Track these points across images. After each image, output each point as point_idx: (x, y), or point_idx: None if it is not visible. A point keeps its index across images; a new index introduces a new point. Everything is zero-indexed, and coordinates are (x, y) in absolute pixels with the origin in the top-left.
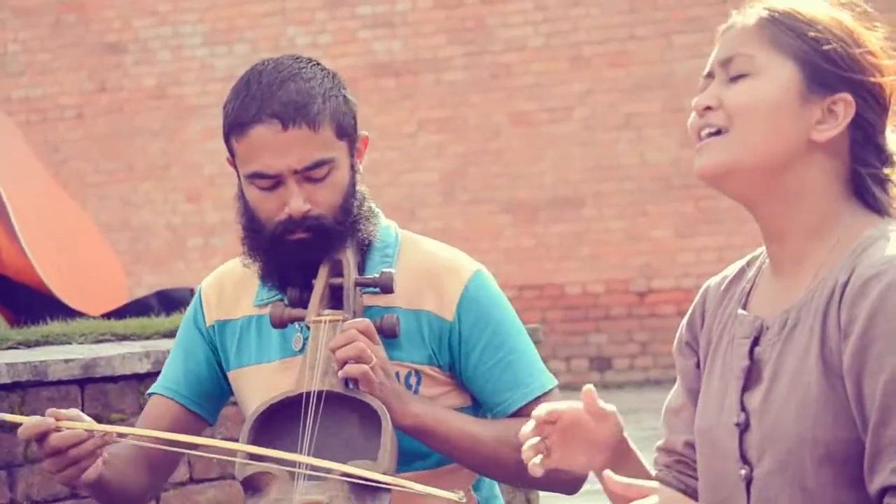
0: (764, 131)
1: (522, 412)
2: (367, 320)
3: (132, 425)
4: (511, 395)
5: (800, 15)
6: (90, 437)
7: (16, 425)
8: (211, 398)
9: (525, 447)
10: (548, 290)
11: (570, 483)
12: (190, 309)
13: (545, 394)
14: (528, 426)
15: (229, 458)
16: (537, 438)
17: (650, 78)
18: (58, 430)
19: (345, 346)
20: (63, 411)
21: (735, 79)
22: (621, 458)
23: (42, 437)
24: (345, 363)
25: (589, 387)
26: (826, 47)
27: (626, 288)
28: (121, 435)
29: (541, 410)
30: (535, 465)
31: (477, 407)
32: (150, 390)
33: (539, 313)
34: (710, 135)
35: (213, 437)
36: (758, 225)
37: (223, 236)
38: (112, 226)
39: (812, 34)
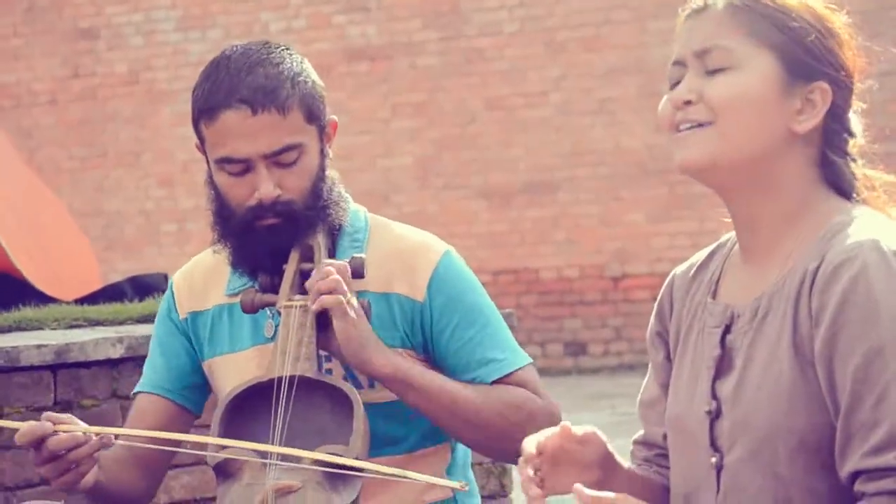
0: (748, 126)
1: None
2: (344, 263)
3: (105, 412)
4: (482, 371)
5: (773, 2)
6: (87, 440)
7: (12, 430)
8: (195, 389)
9: (523, 481)
10: (522, 276)
11: None
12: (163, 303)
13: (517, 370)
14: (521, 461)
15: (217, 455)
16: (532, 471)
17: (625, 63)
18: (55, 433)
19: (321, 280)
20: (58, 415)
21: (713, 72)
22: (610, 473)
23: (39, 441)
24: (319, 296)
25: (565, 423)
26: (803, 38)
27: (601, 273)
28: (118, 437)
29: (527, 445)
30: (535, 498)
31: None
32: (134, 390)
33: (514, 298)
34: (691, 128)
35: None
36: (729, 213)
37: (197, 222)
38: (85, 212)
39: (789, 24)
